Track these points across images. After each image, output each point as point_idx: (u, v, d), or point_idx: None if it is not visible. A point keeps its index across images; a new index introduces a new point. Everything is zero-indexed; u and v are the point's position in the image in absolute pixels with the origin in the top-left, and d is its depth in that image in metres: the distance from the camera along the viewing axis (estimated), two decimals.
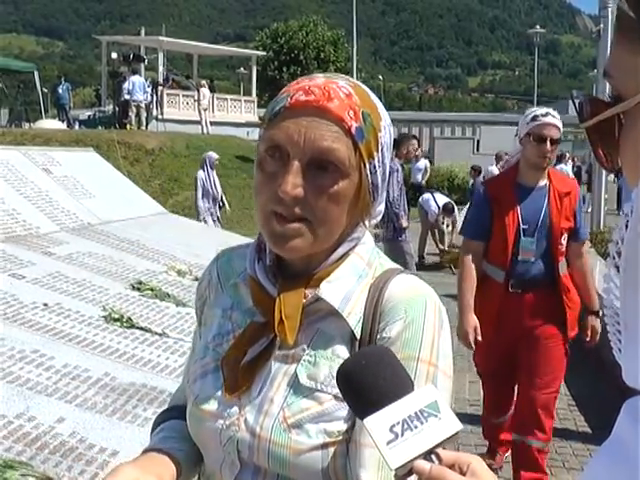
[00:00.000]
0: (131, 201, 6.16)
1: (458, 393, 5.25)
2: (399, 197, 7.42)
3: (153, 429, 1.30)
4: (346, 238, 1.14)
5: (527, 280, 3.55)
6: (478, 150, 30.92)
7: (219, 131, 23.89)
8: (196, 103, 25.32)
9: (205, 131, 23.69)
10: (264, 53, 37.56)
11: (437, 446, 0.83)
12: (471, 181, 15.88)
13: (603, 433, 0.78)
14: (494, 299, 3.58)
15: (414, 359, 1.06)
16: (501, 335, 3.62)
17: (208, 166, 10.39)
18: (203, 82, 26.30)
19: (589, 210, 10.52)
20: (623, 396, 0.76)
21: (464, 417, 4.23)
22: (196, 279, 1.14)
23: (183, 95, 28.76)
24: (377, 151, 1.10)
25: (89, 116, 27.77)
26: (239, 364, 1.12)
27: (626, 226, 0.72)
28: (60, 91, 24.33)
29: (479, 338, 3.59)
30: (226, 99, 31.86)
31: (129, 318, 3.54)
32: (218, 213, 10.68)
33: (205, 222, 9.93)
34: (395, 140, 7.91)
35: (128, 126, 20.93)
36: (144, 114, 22.04)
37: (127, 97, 21.19)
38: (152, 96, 24.18)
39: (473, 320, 3.59)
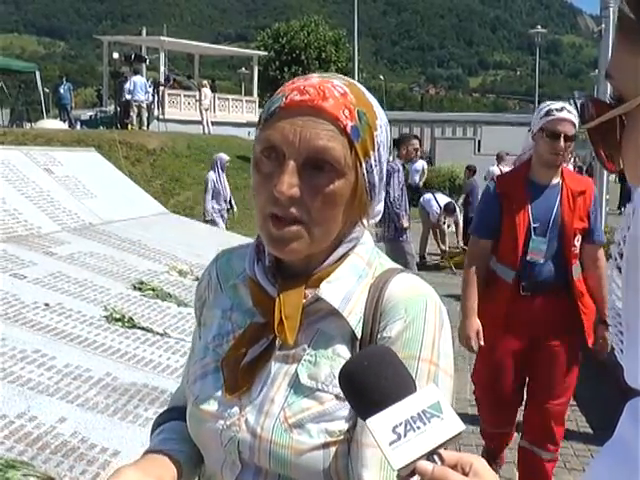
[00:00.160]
0: (132, 201, 6.16)
1: (459, 393, 5.24)
2: (400, 197, 7.42)
3: (153, 430, 1.30)
4: (345, 238, 1.14)
5: (538, 283, 3.37)
6: (479, 150, 30.89)
7: (220, 131, 23.90)
8: (197, 103, 25.34)
9: (206, 131, 23.70)
10: (265, 53, 37.57)
11: (440, 447, 0.83)
12: (473, 181, 15.90)
13: (605, 434, 0.78)
14: (502, 301, 3.42)
15: (415, 358, 1.06)
16: (508, 340, 3.44)
17: (219, 167, 10.36)
18: (204, 82, 26.31)
19: None
20: (625, 397, 0.76)
21: (465, 417, 4.22)
22: (197, 279, 1.15)
23: (184, 95, 28.77)
24: (373, 150, 1.09)
25: (90, 116, 27.78)
26: (239, 364, 1.12)
27: (628, 227, 0.72)
28: (61, 91, 24.35)
29: (481, 342, 3.47)
30: (227, 99, 31.87)
31: (130, 318, 3.54)
32: (226, 215, 10.68)
33: (214, 224, 9.89)
34: (396, 140, 7.92)
35: (129, 126, 20.95)
36: (145, 114, 22.06)
37: (128, 97, 21.20)
38: (153, 96, 24.20)
39: (476, 323, 3.46)
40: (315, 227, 1.07)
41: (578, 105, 0.76)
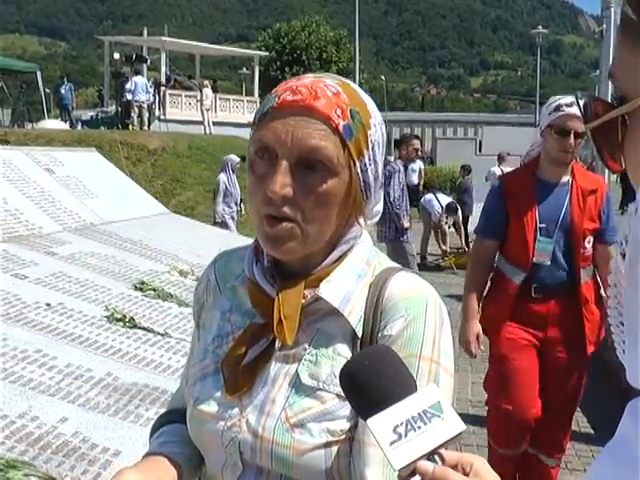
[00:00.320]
0: (133, 201, 6.16)
1: (460, 394, 5.25)
2: (400, 197, 7.43)
3: (152, 433, 1.29)
4: (343, 238, 1.14)
5: (545, 285, 3.22)
6: (480, 151, 30.91)
7: (221, 131, 23.90)
8: (198, 103, 25.34)
9: (207, 131, 23.71)
10: (266, 53, 37.63)
11: (440, 447, 0.83)
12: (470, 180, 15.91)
13: (606, 434, 0.78)
14: (506, 301, 3.28)
15: (416, 357, 1.06)
16: (518, 343, 3.27)
17: (230, 169, 10.32)
18: (206, 82, 26.33)
19: None
20: (626, 397, 0.76)
21: (466, 418, 4.22)
22: (198, 279, 1.14)
23: (185, 95, 28.78)
24: (367, 149, 1.09)
25: (92, 116, 27.79)
26: (239, 365, 1.12)
27: (630, 227, 0.72)
28: (63, 91, 24.38)
29: (481, 348, 3.39)
30: (228, 99, 31.86)
31: (131, 318, 3.54)
32: (236, 217, 10.64)
33: (224, 226, 9.84)
34: (397, 140, 7.93)
35: (130, 126, 20.96)
36: (146, 114, 22.07)
37: (129, 97, 21.22)
38: (154, 96, 24.23)
39: (476, 327, 3.36)
40: (309, 226, 1.07)
41: (581, 105, 0.76)
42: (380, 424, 0.83)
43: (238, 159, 10.61)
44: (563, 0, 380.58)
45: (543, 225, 3.21)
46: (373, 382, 0.87)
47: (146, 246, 4.97)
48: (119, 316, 3.52)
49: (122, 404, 2.71)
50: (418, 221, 12.52)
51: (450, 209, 12.52)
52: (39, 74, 24.14)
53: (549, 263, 3.20)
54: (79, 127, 24.06)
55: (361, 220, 1.15)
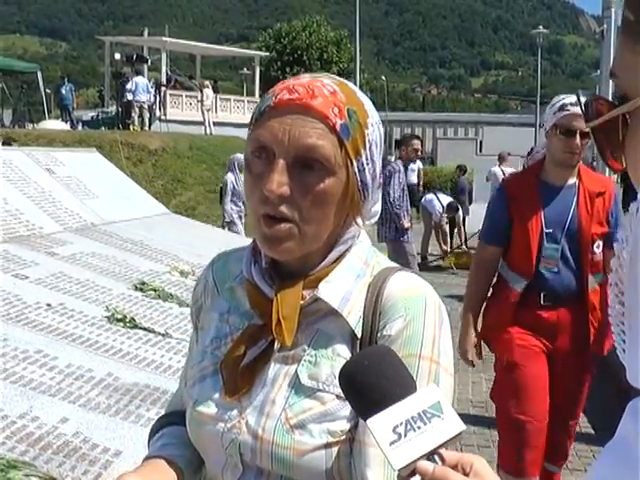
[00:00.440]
0: (134, 201, 6.16)
1: (461, 394, 5.25)
2: (400, 198, 7.44)
3: (151, 435, 1.29)
4: (341, 238, 1.13)
5: (552, 292, 3.08)
6: (481, 151, 30.94)
7: (222, 132, 23.91)
8: (199, 104, 25.35)
9: (208, 132, 23.71)
10: (267, 54, 37.67)
11: (440, 447, 0.83)
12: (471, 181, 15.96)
13: (606, 434, 0.78)
14: (507, 309, 3.14)
15: (416, 356, 1.06)
16: (525, 351, 3.11)
17: (237, 169, 10.30)
18: (206, 83, 26.35)
19: None
20: (626, 397, 0.76)
21: (467, 418, 4.23)
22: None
23: (186, 96, 28.80)
24: (365, 148, 1.09)
25: (92, 117, 27.82)
26: (238, 366, 1.11)
27: (631, 226, 0.72)
28: (63, 92, 24.40)
29: (477, 359, 3.32)
30: (229, 100, 31.89)
31: (132, 318, 3.54)
32: (244, 217, 10.62)
33: (233, 225, 9.82)
34: (398, 141, 7.95)
35: (131, 127, 20.97)
36: (147, 115, 22.08)
37: (130, 98, 21.23)
38: (155, 97, 24.23)
39: (473, 338, 3.28)
40: (306, 226, 1.06)
41: (582, 104, 0.76)
42: (380, 424, 0.83)
43: None
44: (564, 0, 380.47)
45: (549, 230, 3.07)
46: (373, 382, 0.87)
47: (147, 246, 4.97)
48: (120, 316, 3.52)
49: (123, 404, 2.71)
50: (418, 221, 12.53)
51: (451, 208, 12.57)
52: (40, 74, 24.17)
53: (557, 270, 3.07)
54: (80, 127, 24.07)
55: (359, 220, 1.14)
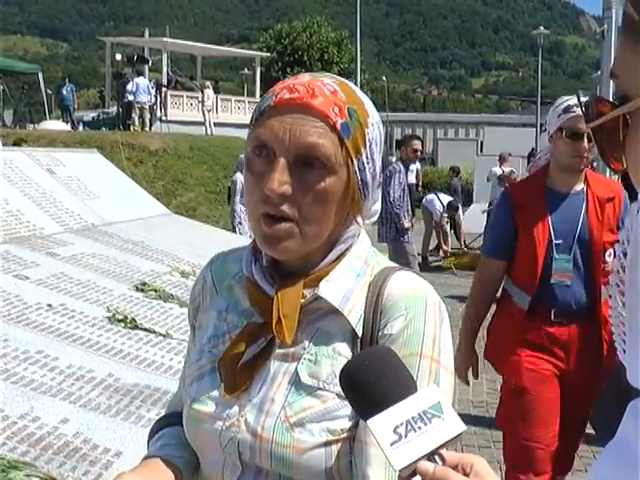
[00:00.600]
0: (135, 202, 6.16)
1: (461, 394, 5.24)
2: (400, 198, 7.45)
3: (150, 436, 1.29)
4: (341, 237, 1.13)
5: (567, 308, 2.88)
6: (482, 151, 30.94)
7: (223, 132, 23.91)
8: (200, 104, 25.37)
9: (209, 132, 23.71)
10: (268, 54, 37.67)
11: (441, 447, 0.83)
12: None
13: (607, 434, 0.78)
14: (512, 328, 2.94)
15: (416, 355, 1.06)
16: (536, 378, 2.91)
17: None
18: (207, 83, 26.35)
19: None
20: (627, 397, 0.76)
21: (467, 418, 4.22)
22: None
23: (187, 96, 28.80)
24: (365, 147, 1.09)
25: (93, 117, 27.82)
26: (237, 364, 1.11)
27: (631, 227, 0.72)
28: (64, 92, 24.39)
29: (474, 378, 3.19)
30: (230, 100, 31.89)
31: (133, 319, 3.55)
32: None
33: (241, 225, 9.74)
34: (399, 141, 7.96)
35: (132, 127, 20.97)
36: (148, 115, 22.07)
37: (131, 98, 21.23)
38: (156, 97, 24.22)
39: (469, 360, 3.13)
40: (306, 225, 1.07)
41: (582, 104, 0.76)
42: (380, 424, 0.83)
43: None
44: (564, 1, 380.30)
45: (559, 241, 2.88)
46: (373, 382, 0.87)
47: (147, 247, 4.97)
48: (120, 317, 3.52)
49: (123, 405, 2.71)
50: (418, 222, 12.54)
51: (451, 207, 12.63)
52: (41, 75, 24.19)
53: (570, 283, 2.87)
54: (80, 128, 24.08)
55: (359, 219, 1.15)
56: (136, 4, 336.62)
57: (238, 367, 1.11)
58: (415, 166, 17.05)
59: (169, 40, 32.18)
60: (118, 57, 25.79)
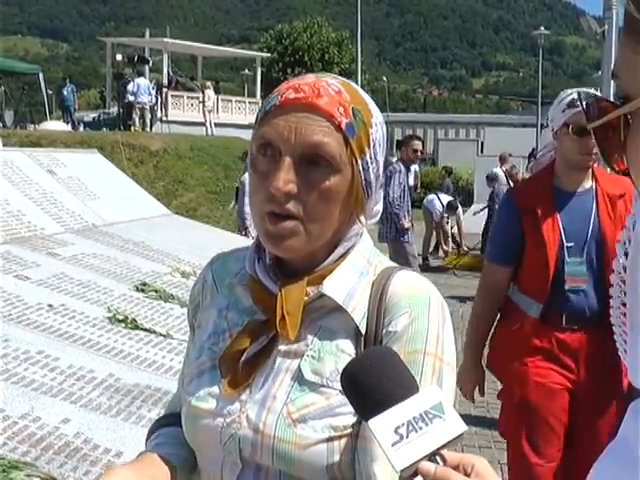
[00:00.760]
0: (135, 202, 6.17)
1: (462, 394, 5.24)
2: (400, 198, 7.45)
3: (149, 436, 1.28)
4: (344, 236, 1.14)
5: (578, 313, 2.70)
6: (482, 152, 30.91)
7: (223, 132, 23.92)
8: (200, 105, 25.38)
9: (209, 132, 23.72)
10: (268, 54, 37.68)
11: (442, 447, 0.83)
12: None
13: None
14: (521, 339, 2.76)
15: (421, 352, 1.07)
16: (544, 391, 2.73)
17: None
18: (208, 84, 26.35)
19: None
20: (628, 397, 0.76)
21: (468, 419, 4.20)
22: None
23: (187, 97, 28.80)
24: (369, 147, 1.10)
25: (94, 118, 27.85)
26: (238, 361, 1.11)
27: (633, 226, 0.72)
28: (65, 93, 24.41)
29: (480, 396, 2.99)
30: (230, 101, 31.90)
31: (133, 319, 3.55)
32: None
33: (251, 227, 9.67)
34: (399, 142, 7.98)
35: (132, 128, 20.98)
36: (148, 116, 22.08)
37: (131, 99, 21.24)
38: (157, 98, 24.23)
39: (477, 377, 2.94)
40: (311, 223, 1.07)
41: (583, 104, 0.76)
42: (381, 425, 0.83)
43: None
44: (565, 1, 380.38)
45: (571, 244, 2.71)
46: (375, 383, 0.87)
47: (148, 247, 4.97)
48: (121, 317, 3.52)
49: (124, 405, 2.71)
50: (418, 222, 12.56)
51: (450, 207, 12.67)
52: (41, 76, 24.19)
53: (585, 287, 2.69)
54: (81, 128, 24.11)
55: (362, 219, 1.15)
56: (137, 5, 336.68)
57: (240, 363, 1.11)
58: (414, 167, 17.08)
59: (170, 40, 32.18)
60: (119, 57, 25.83)
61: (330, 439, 1.05)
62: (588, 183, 2.78)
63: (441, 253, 12.91)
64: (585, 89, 2.74)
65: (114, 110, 25.79)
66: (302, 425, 1.05)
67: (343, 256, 1.14)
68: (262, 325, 1.12)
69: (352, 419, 1.05)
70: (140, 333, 3.45)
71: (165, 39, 32.34)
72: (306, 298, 1.10)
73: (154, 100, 23.27)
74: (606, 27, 9.12)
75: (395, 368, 0.89)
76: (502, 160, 13.39)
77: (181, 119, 26.54)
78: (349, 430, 1.06)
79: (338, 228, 1.12)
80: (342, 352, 1.08)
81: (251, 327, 1.13)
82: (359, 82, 22.65)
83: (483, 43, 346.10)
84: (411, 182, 16.77)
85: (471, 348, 2.96)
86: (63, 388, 2.73)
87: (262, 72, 35.72)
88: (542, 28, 33.25)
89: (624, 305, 0.74)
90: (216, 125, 24.85)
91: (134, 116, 21.42)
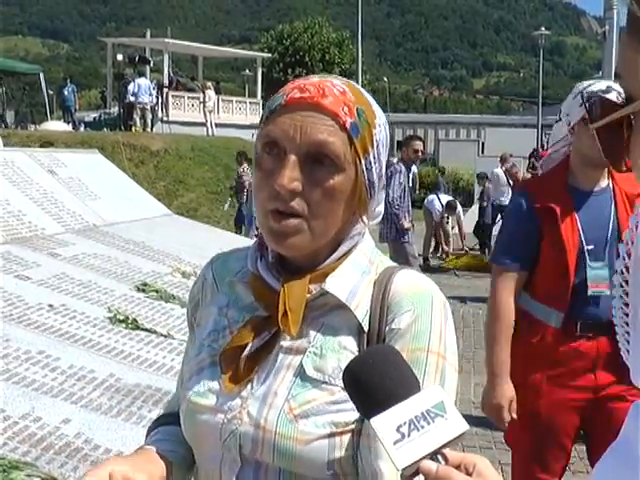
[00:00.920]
0: (136, 203, 6.17)
1: (463, 395, 5.24)
2: (400, 198, 7.46)
3: (147, 435, 1.29)
4: (347, 235, 1.15)
5: (595, 320, 2.51)
6: (483, 152, 30.88)
7: (224, 133, 23.93)
8: (201, 105, 25.39)
9: (210, 133, 23.73)
10: (269, 55, 37.68)
11: (443, 446, 0.83)
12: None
13: None
14: (543, 351, 2.56)
15: (424, 350, 1.07)
16: (557, 396, 2.58)
17: None
18: (208, 84, 26.36)
19: None
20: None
21: (469, 419, 4.20)
22: None
23: (188, 97, 28.81)
24: (372, 147, 1.11)
25: (94, 118, 27.85)
26: (239, 357, 1.11)
27: (636, 227, 0.72)
28: (65, 93, 24.41)
29: (514, 415, 2.63)
30: (231, 101, 31.92)
31: (134, 319, 3.55)
32: None
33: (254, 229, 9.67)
34: (399, 142, 7.98)
35: (133, 128, 20.98)
36: (149, 116, 22.08)
37: (132, 99, 21.24)
38: (157, 98, 24.23)
39: (510, 390, 2.61)
40: (315, 221, 1.08)
41: (587, 104, 0.76)
42: (383, 424, 0.83)
43: None
44: (566, 1, 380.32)
45: (591, 247, 2.53)
46: (377, 382, 0.87)
47: (148, 247, 4.97)
48: (122, 317, 3.53)
49: (125, 405, 2.72)
50: (418, 222, 12.57)
51: (450, 207, 12.69)
52: (42, 76, 24.21)
53: (608, 292, 2.47)
54: (82, 129, 24.11)
55: (365, 218, 1.16)
56: (137, 5, 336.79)
57: (241, 359, 1.11)
58: (413, 168, 17.10)
59: (170, 41, 32.20)
60: (119, 58, 25.82)
61: (332, 435, 1.05)
62: (604, 182, 2.60)
63: (443, 253, 12.91)
64: (605, 81, 2.38)
65: (115, 110, 25.78)
66: (304, 421, 1.05)
67: (345, 255, 1.15)
68: (264, 321, 1.12)
69: (354, 415, 1.05)
70: (141, 333, 3.45)
71: (166, 39, 32.36)
72: (308, 295, 1.11)
73: (155, 100, 23.25)
74: (607, 27, 9.13)
75: (397, 367, 0.89)
76: (503, 160, 13.41)
77: (182, 119, 26.56)
78: (351, 426, 1.06)
79: (341, 227, 1.13)
80: (345, 349, 1.09)
81: (253, 323, 1.13)
82: (360, 82, 22.64)
83: (484, 43, 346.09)
84: (410, 183, 16.82)
85: (495, 366, 2.66)
86: (64, 388, 2.73)
87: (263, 72, 35.74)
88: (543, 28, 33.26)
89: (627, 305, 0.74)
90: (217, 125, 24.86)
91: (135, 116, 21.42)
